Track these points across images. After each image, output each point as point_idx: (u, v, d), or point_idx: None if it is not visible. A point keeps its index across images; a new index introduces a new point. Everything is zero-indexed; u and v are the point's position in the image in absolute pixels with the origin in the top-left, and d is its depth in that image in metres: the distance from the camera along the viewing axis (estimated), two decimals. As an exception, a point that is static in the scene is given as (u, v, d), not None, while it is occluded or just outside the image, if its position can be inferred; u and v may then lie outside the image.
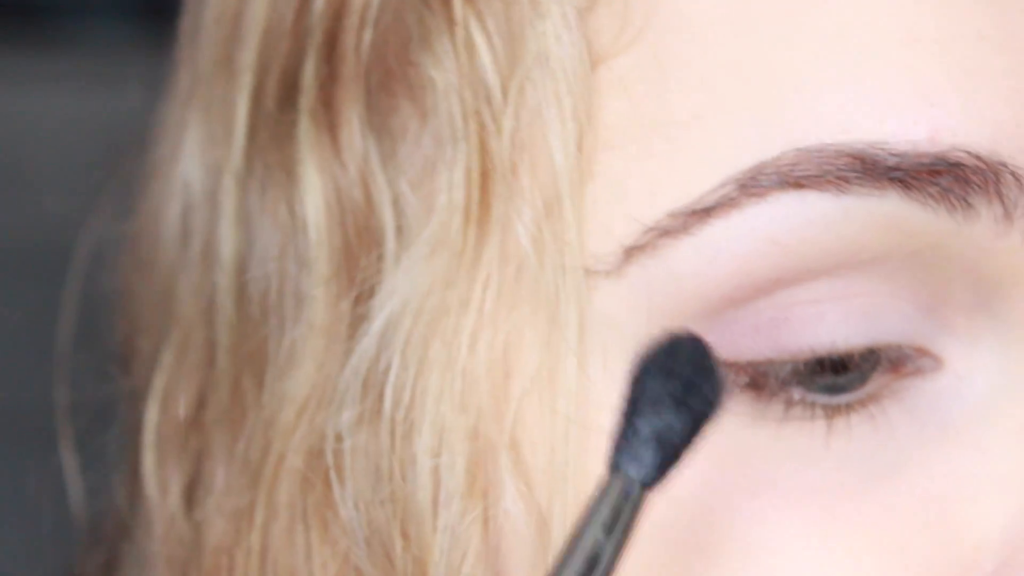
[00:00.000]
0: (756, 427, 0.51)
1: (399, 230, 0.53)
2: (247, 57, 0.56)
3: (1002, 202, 0.49)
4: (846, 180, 0.49)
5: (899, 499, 0.50)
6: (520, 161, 0.52)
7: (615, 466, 0.45)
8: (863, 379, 0.51)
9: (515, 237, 0.51)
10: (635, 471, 0.44)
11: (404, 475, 0.52)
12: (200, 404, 0.58)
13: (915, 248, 0.50)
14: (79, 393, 0.62)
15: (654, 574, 0.51)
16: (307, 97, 0.54)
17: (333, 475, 0.52)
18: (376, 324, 0.52)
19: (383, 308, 0.52)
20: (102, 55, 1.65)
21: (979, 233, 0.49)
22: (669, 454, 0.45)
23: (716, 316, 0.50)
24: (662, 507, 0.49)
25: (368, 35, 0.53)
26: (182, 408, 0.58)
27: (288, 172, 0.55)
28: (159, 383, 0.58)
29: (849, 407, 0.51)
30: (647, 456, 0.44)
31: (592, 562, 0.44)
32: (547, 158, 0.51)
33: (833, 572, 0.50)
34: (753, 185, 0.49)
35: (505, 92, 0.51)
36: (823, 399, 0.51)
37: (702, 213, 0.50)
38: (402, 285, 0.52)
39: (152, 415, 0.58)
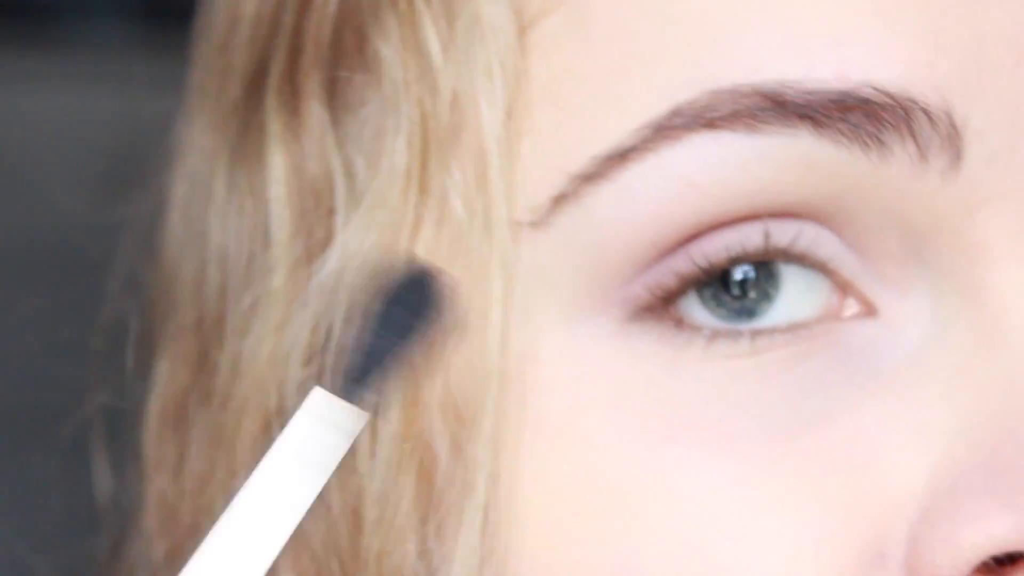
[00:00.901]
0: (678, 370, 0.51)
1: (349, 197, 0.55)
2: (237, 48, 0.58)
3: (915, 140, 0.49)
4: (758, 119, 0.49)
5: (824, 446, 0.50)
6: (457, 125, 0.53)
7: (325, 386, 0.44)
8: (777, 327, 0.51)
9: (451, 200, 0.52)
10: (339, 386, 0.44)
11: None
12: (190, 386, 0.59)
13: (835, 190, 0.50)
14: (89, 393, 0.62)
15: (578, 524, 0.51)
16: (273, 80, 0.56)
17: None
18: (318, 280, 0.54)
19: (326, 266, 0.54)
20: (102, 55, 1.66)
21: (896, 173, 0.50)
22: (371, 369, 0.44)
23: (645, 269, 0.51)
24: (584, 453, 0.50)
25: (329, 13, 0.55)
26: (176, 390, 0.59)
27: (258, 156, 0.57)
28: (160, 368, 0.60)
29: (776, 344, 0.51)
30: (355, 372, 0.44)
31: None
32: (479, 121, 0.52)
33: (755, 518, 0.50)
34: (668, 127, 0.50)
35: (443, 58, 0.53)
36: (745, 325, 0.51)
37: (619, 157, 0.50)
38: (346, 245, 0.54)
39: (153, 399, 0.60)
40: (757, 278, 0.51)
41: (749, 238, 0.50)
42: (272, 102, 0.56)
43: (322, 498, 0.53)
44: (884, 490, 0.49)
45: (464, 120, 0.52)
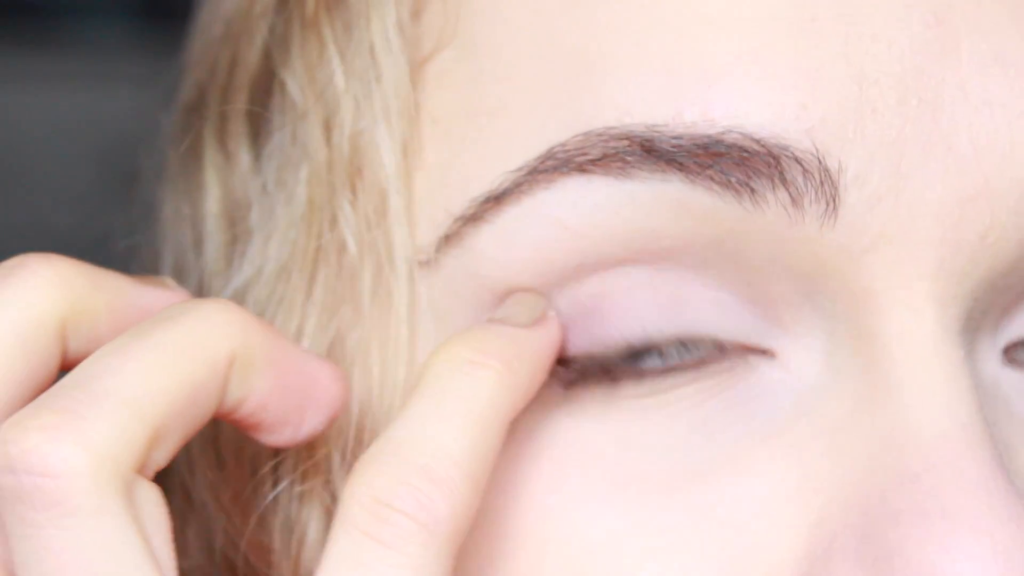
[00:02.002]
0: (576, 418, 0.51)
1: (261, 222, 0.56)
2: (188, 79, 0.61)
3: (786, 188, 0.48)
4: (628, 164, 0.48)
5: (715, 499, 0.49)
6: (357, 160, 0.53)
7: None
8: (683, 364, 0.50)
9: (346, 236, 0.53)
10: None
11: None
12: None
13: (714, 235, 0.49)
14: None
15: (476, 563, 0.50)
16: (211, 112, 0.58)
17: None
18: (226, 295, 0.56)
19: (231, 283, 0.56)
20: (102, 55, 1.66)
21: (772, 220, 0.48)
22: None
23: None
24: (484, 501, 0.50)
25: (255, 48, 0.57)
26: None
27: (197, 173, 0.59)
28: None
29: (679, 383, 0.50)
30: None
31: None
32: (377, 156, 0.52)
33: (640, 568, 0.49)
34: (542, 170, 0.49)
35: (344, 91, 0.53)
36: (646, 386, 0.50)
37: (495, 200, 0.50)
38: (247, 271, 0.55)
39: None
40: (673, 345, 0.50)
41: (632, 333, 0.49)
42: (209, 129, 0.58)
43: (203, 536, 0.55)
44: (766, 551, 0.49)
45: (363, 155, 0.52)
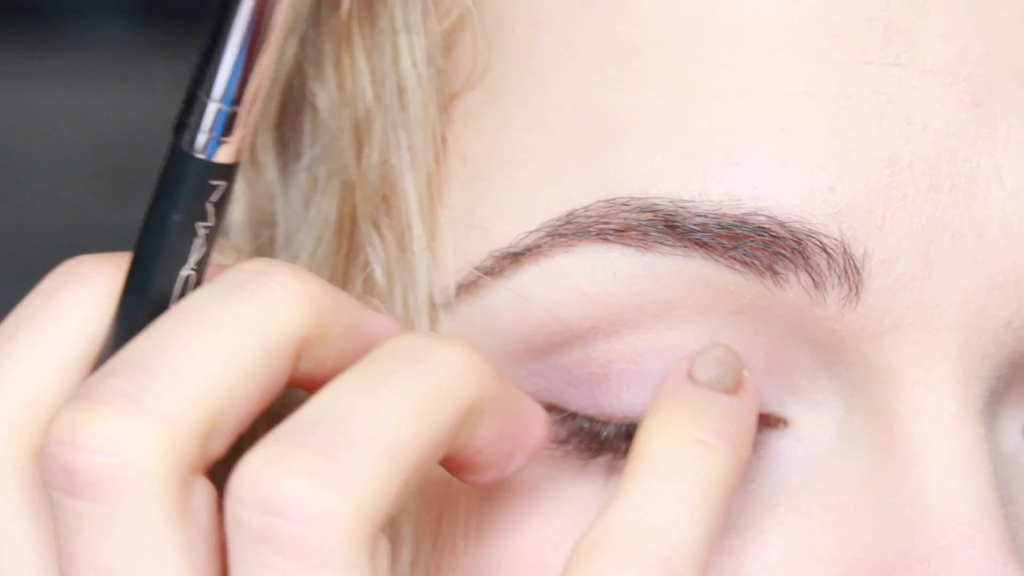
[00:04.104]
0: (576, 481, 0.49)
1: (287, 243, 0.55)
2: None
3: (809, 273, 0.47)
4: (650, 237, 0.47)
5: (717, 567, 0.48)
6: (383, 187, 0.52)
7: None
8: None
9: (374, 266, 0.52)
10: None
11: None
12: None
13: (733, 307, 0.48)
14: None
15: None
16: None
17: None
18: None
19: None
20: (102, 55, 1.66)
21: (793, 299, 0.47)
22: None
23: (540, 358, 0.49)
24: (463, 546, 0.49)
25: (287, 58, 0.55)
26: None
27: None
28: None
29: None
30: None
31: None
32: (402, 189, 0.51)
33: None
34: (562, 234, 0.48)
35: (373, 115, 0.52)
36: None
37: (514, 257, 0.49)
38: None
39: None
40: None
41: (633, 411, 0.48)
42: None
43: None
44: None
45: (389, 184, 0.52)
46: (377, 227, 0.52)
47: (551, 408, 0.49)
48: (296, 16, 0.55)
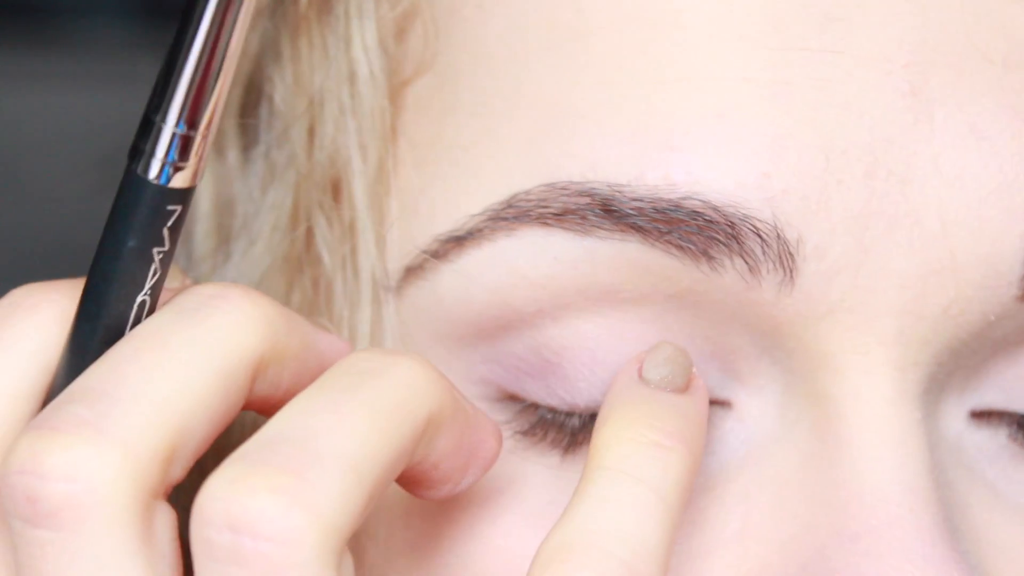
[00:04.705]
0: (535, 465, 0.50)
1: (246, 229, 0.55)
2: None
3: (743, 257, 0.47)
4: (588, 221, 0.48)
5: None
6: (333, 174, 0.53)
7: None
8: None
9: (321, 250, 0.53)
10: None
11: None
12: None
13: (673, 292, 0.48)
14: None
15: None
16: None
17: None
18: None
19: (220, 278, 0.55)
20: (102, 55, 1.66)
21: (729, 284, 0.48)
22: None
23: (491, 343, 0.50)
24: (423, 527, 0.49)
25: (249, 50, 0.56)
26: None
27: None
28: None
29: None
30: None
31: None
32: (350, 173, 0.52)
33: None
34: (503, 217, 0.49)
35: (322, 109, 0.53)
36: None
37: (457, 241, 0.49)
38: (230, 276, 0.55)
39: None
40: None
41: (590, 395, 0.49)
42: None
43: None
44: None
45: (339, 171, 0.52)
46: (325, 212, 0.52)
47: (512, 398, 0.50)
48: (250, 35, 0.55)
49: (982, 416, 0.51)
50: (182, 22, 0.42)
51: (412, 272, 0.50)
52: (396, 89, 0.52)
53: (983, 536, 0.49)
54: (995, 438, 0.51)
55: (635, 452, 0.46)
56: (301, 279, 0.53)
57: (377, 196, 0.52)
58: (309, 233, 0.53)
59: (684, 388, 0.48)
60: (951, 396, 0.50)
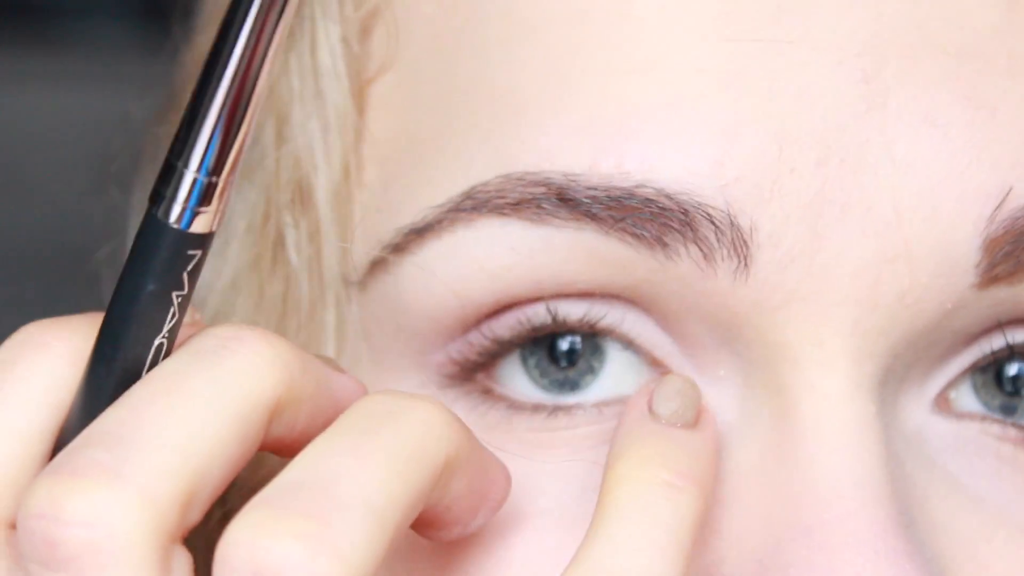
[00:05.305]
0: (482, 441, 0.49)
1: (221, 229, 0.55)
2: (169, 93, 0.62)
3: (698, 244, 0.47)
4: (544, 211, 0.48)
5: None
6: (298, 174, 0.53)
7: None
8: (582, 404, 0.50)
9: (289, 249, 0.53)
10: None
11: None
12: None
13: (629, 282, 0.49)
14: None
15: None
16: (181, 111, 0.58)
17: None
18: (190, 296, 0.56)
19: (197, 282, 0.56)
20: (102, 55, 1.66)
21: (685, 272, 0.48)
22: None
23: (450, 339, 0.50)
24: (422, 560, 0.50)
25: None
26: None
27: None
28: None
29: (577, 422, 0.50)
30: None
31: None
32: (316, 175, 0.52)
33: None
34: (462, 208, 0.49)
35: (289, 111, 0.53)
36: (569, 397, 0.51)
37: (418, 233, 0.50)
38: (205, 277, 0.55)
39: None
40: (583, 350, 0.51)
41: (538, 315, 0.50)
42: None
43: None
44: None
45: (304, 171, 0.52)
46: (292, 212, 0.53)
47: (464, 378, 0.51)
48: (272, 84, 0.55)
49: (947, 408, 0.51)
50: (206, 67, 0.42)
51: (376, 267, 0.51)
52: (360, 88, 0.52)
53: (942, 528, 0.49)
54: (958, 430, 0.51)
55: (648, 493, 0.46)
56: (272, 278, 0.53)
57: (341, 196, 0.52)
58: (279, 234, 0.53)
59: (694, 422, 0.48)
60: (911, 388, 0.50)
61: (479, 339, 0.50)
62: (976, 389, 0.51)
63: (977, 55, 0.48)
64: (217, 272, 0.55)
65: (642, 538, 0.45)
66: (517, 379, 0.51)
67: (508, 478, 0.47)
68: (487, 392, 0.51)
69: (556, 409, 0.50)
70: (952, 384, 0.51)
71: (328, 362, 0.47)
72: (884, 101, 0.48)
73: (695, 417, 0.49)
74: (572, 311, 0.50)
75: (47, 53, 1.69)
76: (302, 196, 0.53)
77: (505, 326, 0.50)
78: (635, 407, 0.49)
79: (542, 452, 0.50)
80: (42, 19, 1.72)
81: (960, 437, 0.51)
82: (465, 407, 0.51)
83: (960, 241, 0.48)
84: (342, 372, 0.47)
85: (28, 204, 1.59)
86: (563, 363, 0.51)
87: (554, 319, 0.50)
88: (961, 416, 0.51)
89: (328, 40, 0.52)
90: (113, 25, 1.72)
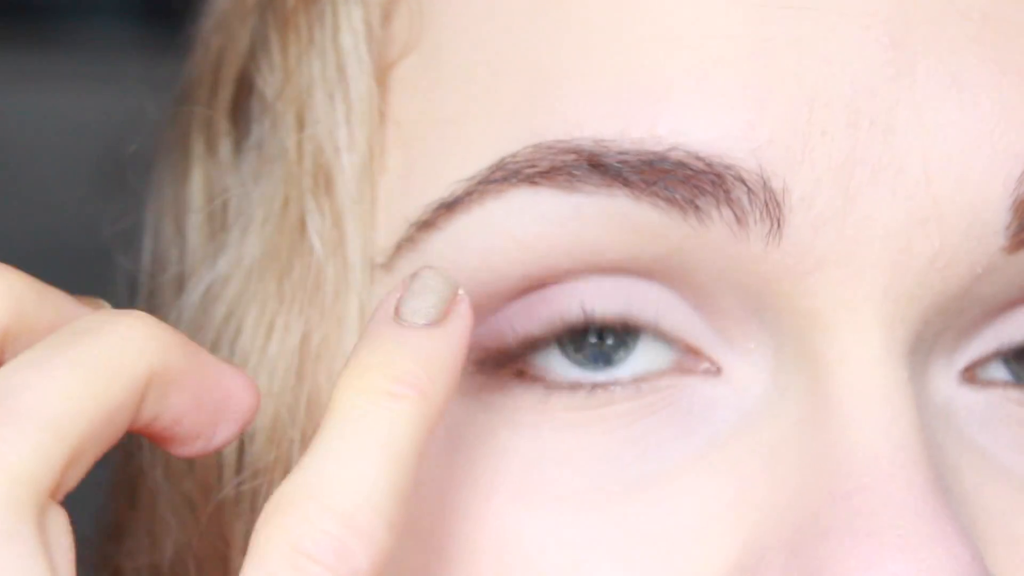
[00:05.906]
0: (516, 423, 0.50)
1: (239, 219, 0.56)
2: (186, 80, 0.62)
3: (731, 207, 0.47)
4: (575, 177, 0.48)
5: (647, 516, 0.49)
6: (322, 160, 0.53)
7: None
8: (619, 380, 0.50)
9: (311, 236, 0.53)
10: None
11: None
12: None
13: (660, 251, 0.49)
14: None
15: (409, 571, 0.50)
16: (199, 104, 0.59)
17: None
18: (195, 294, 0.56)
19: (205, 279, 0.56)
20: (102, 55, 1.66)
21: (716, 237, 0.48)
22: None
23: (480, 318, 0.50)
24: (420, 507, 0.50)
25: (240, 44, 0.57)
26: None
27: (183, 166, 0.60)
28: None
29: (615, 398, 0.50)
30: None
31: None
32: (339, 158, 0.53)
33: None
34: (492, 180, 0.49)
35: (313, 95, 0.53)
36: (601, 373, 0.50)
37: (447, 208, 0.50)
38: (222, 267, 0.55)
39: None
40: (615, 328, 0.50)
41: (570, 310, 0.50)
42: (196, 122, 0.59)
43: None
44: (695, 564, 0.49)
45: (328, 157, 0.53)
46: (316, 199, 0.53)
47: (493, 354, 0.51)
48: None
49: (972, 379, 0.51)
50: None
51: (403, 246, 0.51)
52: (383, 72, 0.52)
53: (973, 499, 0.49)
54: (985, 401, 0.51)
55: (364, 401, 0.45)
56: (293, 267, 0.53)
57: (366, 180, 0.52)
58: (300, 221, 0.53)
59: (439, 320, 0.47)
60: (940, 358, 0.51)
61: (512, 335, 0.50)
62: (1007, 362, 0.52)
63: (1001, 19, 0.49)
64: (237, 260, 0.55)
65: (353, 448, 0.44)
66: (551, 357, 0.51)
67: (248, 387, 0.47)
68: (521, 375, 0.51)
69: (595, 387, 0.50)
70: (980, 362, 0.51)
71: (87, 301, 0.47)
72: (912, 66, 0.48)
73: (441, 314, 0.47)
74: (608, 307, 0.50)
75: (47, 53, 1.69)
76: (325, 181, 0.53)
77: (537, 322, 0.50)
78: (381, 307, 0.48)
79: (579, 431, 0.50)
80: (42, 19, 1.72)
81: (987, 408, 0.51)
82: (500, 390, 0.50)
83: (990, 202, 0.48)
84: (232, 365, 0.47)
85: (28, 204, 1.58)
86: (593, 338, 0.51)
87: (589, 317, 0.50)
88: (986, 385, 0.51)
89: (351, 23, 0.53)
90: (114, 25, 1.72)
